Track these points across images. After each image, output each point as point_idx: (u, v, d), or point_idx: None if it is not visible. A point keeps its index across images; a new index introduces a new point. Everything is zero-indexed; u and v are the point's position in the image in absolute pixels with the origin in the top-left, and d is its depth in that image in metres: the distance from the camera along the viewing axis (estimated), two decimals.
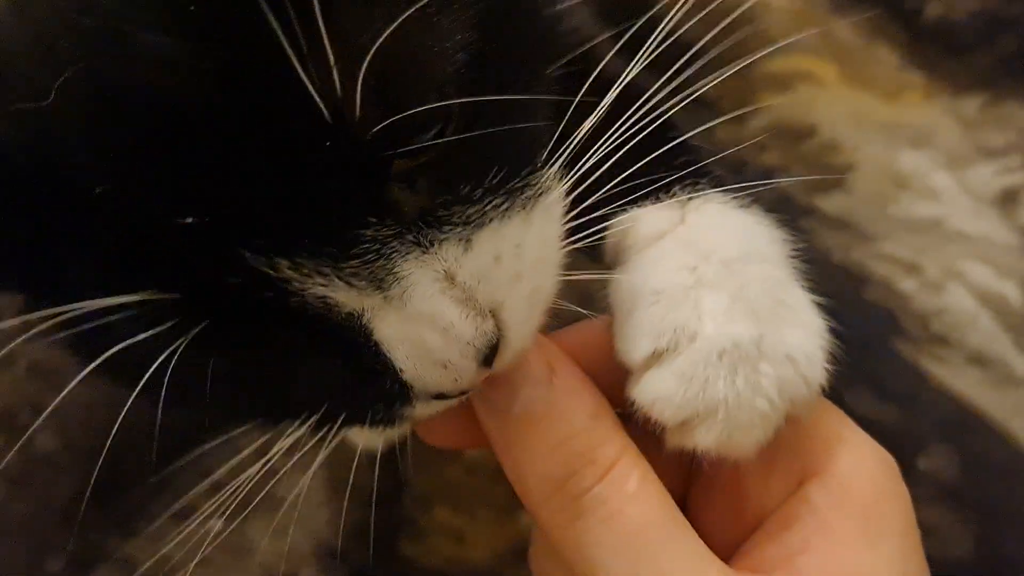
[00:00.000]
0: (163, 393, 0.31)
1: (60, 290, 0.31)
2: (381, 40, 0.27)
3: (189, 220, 0.28)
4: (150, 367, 0.31)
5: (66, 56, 0.27)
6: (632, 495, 0.32)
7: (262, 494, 0.87)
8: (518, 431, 0.33)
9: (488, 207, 0.31)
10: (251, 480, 0.87)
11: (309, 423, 0.38)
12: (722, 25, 0.42)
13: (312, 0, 0.26)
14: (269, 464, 0.40)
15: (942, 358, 0.91)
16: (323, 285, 0.29)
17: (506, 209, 0.31)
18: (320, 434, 0.39)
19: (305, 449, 0.44)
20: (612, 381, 0.37)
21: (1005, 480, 0.83)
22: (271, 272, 0.29)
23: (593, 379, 0.36)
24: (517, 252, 0.32)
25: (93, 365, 0.32)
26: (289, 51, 0.26)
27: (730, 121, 1.13)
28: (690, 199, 0.40)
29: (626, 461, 0.33)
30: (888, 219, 1.03)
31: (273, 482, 0.88)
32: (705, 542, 0.34)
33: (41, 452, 0.86)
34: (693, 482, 0.38)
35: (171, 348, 0.30)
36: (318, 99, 0.27)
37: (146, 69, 0.27)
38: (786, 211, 1.02)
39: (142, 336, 0.30)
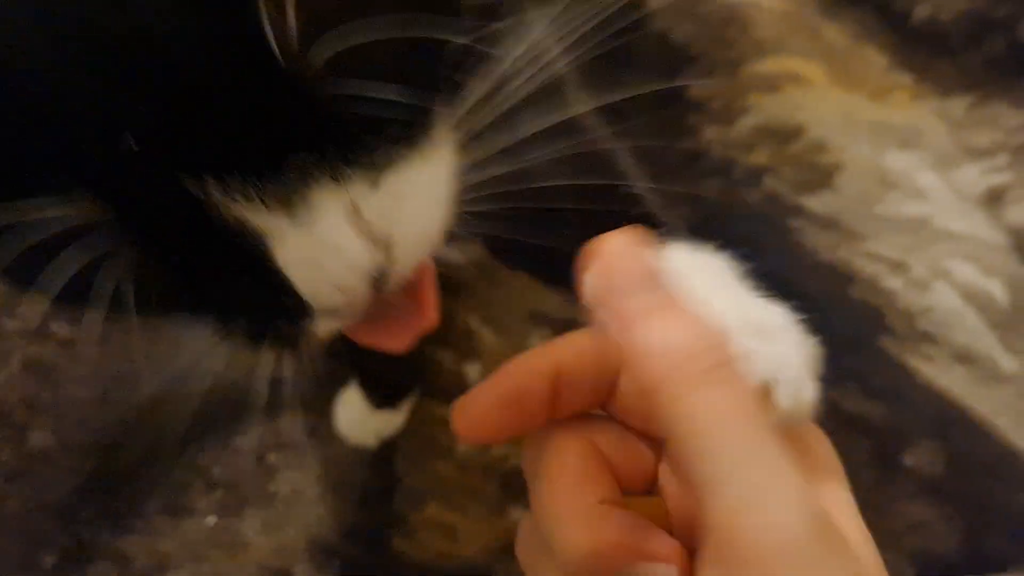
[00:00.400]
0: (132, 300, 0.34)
1: None
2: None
3: (132, 144, 0.30)
4: (87, 284, 0.32)
5: None
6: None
7: (257, 491, 0.89)
8: (642, 314, 0.34)
9: (393, 154, 0.35)
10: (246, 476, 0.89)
11: (220, 330, 0.39)
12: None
13: None
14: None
15: (928, 355, 0.92)
16: (242, 206, 0.32)
17: (408, 159, 0.35)
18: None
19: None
20: (602, 386, 0.39)
21: (990, 476, 0.84)
22: (199, 192, 0.31)
23: (588, 384, 0.38)
24: (413, 197, 0.36)
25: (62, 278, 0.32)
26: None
27: (719, 121, 1.15)
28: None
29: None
30: (875, 218, 1.04)
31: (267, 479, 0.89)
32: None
33: (36, 449, 0.86)
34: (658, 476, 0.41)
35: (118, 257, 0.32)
36: (273, 41, 0.30)
37: None
38: (774, 210, 1.04)
39: (97, 252, 0.32)
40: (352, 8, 0.32)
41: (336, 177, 0.33)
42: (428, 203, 0.37)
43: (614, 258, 0.35)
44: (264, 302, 0.36)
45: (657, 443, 0.40)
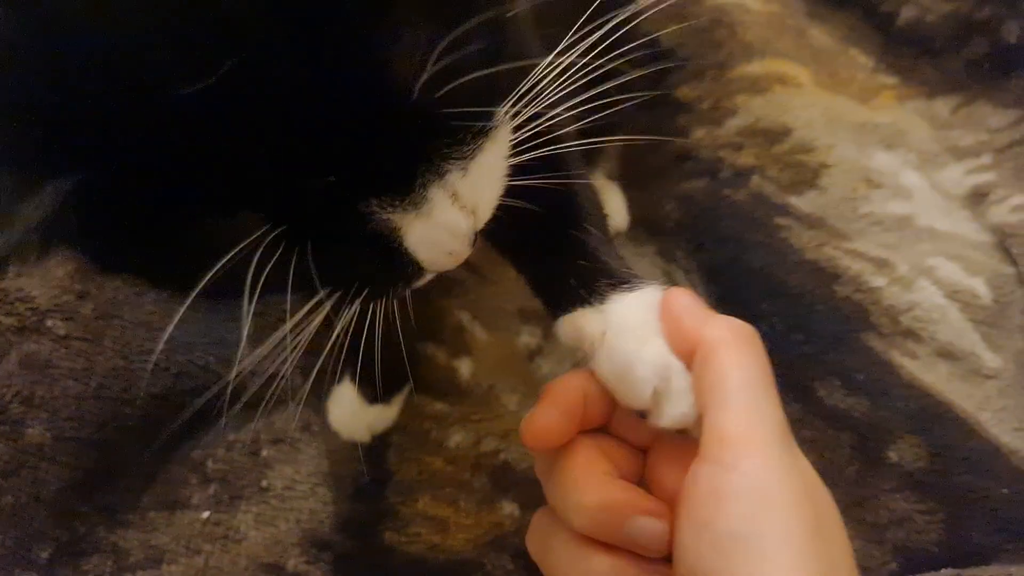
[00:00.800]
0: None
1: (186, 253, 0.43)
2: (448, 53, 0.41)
3: (332, 179, 0.41)
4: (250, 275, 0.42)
5: (215, 48, 0.37)
6: None
7: (251, 486, 0.89)
8: None
9: (475, 147, 0.46)
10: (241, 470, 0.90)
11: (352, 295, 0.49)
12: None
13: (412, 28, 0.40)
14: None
15: (912, 352, 0.94)
16: (390, 213, 0.43)
17: (483, 146, 0.46)
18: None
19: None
20: (602, 409, 0.55)
21: (972, 470, 0.86)
22: (364, 209, 0.43)
23: (601, 404, 0.55)
24: (489, 174, 0.48)
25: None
26: (403, 63, 0.40)
27: (708, 121, 1.16)
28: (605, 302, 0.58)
29: None
30: (860, 217, 1.06)
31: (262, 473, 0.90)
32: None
33: (31, 444, 0.87)
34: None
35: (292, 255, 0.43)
36: (416, 93, 0.40)
37: (288, 69, 0.38)
38: (761, 209, 1.05)
39: (276, 256, 0.42)
40: (469, 54, 0.42)
41: (441, 173, 0.44)
42: (496, 175, 0.49)
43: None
44: (385, 271, 0.48)
45: (641, 451, 0.55)
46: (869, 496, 0.86)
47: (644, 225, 1.10)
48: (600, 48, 0.52)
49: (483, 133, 0.46)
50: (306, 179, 0.40)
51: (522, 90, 0.49)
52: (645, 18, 0.60)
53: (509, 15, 0.49)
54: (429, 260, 0.46)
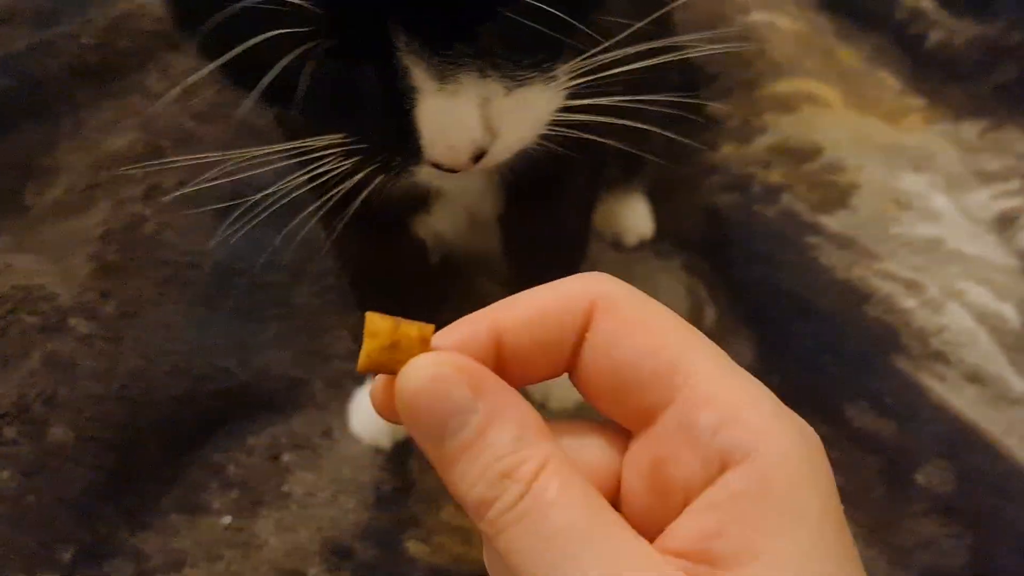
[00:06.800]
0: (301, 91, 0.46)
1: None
2: None
3: None
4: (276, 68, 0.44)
5: None
6: (552, 502, 0.33)
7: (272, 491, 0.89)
8: (451, 459, 0.35)
9: (527, 76, 0.48)
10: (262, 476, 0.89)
11: (341, 151, 0.51)
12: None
13: None
14: None
15: (940, 375, 0.93)
16: (414, 58, 0.44)
17: (535, 83, 0.48)
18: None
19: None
20: (559, 356, 0.38)
21: (999, 495, 0.85)
22: (392, 39, 0.44)
23: (540, 355, 0.37)
24: (526, 110, 0.49)
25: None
26: None
27: (738, 139, 1.16)
28: None
29: (547, 471, 0.33)
30: (890, 238, 1.06)
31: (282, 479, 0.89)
32: (639, 529, 0.35)
33: (54, 444, 0.87)
34: (621, 474, 0.39)
35: (301, 50, 0.43)
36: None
37: None
38: (791, 227, 1.05)
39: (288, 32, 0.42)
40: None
41: (484, 74, 0.46)
42: (533, 119, 0.50)
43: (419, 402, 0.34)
44: (393, 137, 0.48)
45: (622, 432, 0.38)
46: (896, 519, 0.85)
47: (670, 237, 1.09)
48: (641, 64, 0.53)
49: (538, 71, 0.48)
50: None
51: (582, 59, 0.51)
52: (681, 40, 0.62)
53: None
54: (429, 138, 0.46)
